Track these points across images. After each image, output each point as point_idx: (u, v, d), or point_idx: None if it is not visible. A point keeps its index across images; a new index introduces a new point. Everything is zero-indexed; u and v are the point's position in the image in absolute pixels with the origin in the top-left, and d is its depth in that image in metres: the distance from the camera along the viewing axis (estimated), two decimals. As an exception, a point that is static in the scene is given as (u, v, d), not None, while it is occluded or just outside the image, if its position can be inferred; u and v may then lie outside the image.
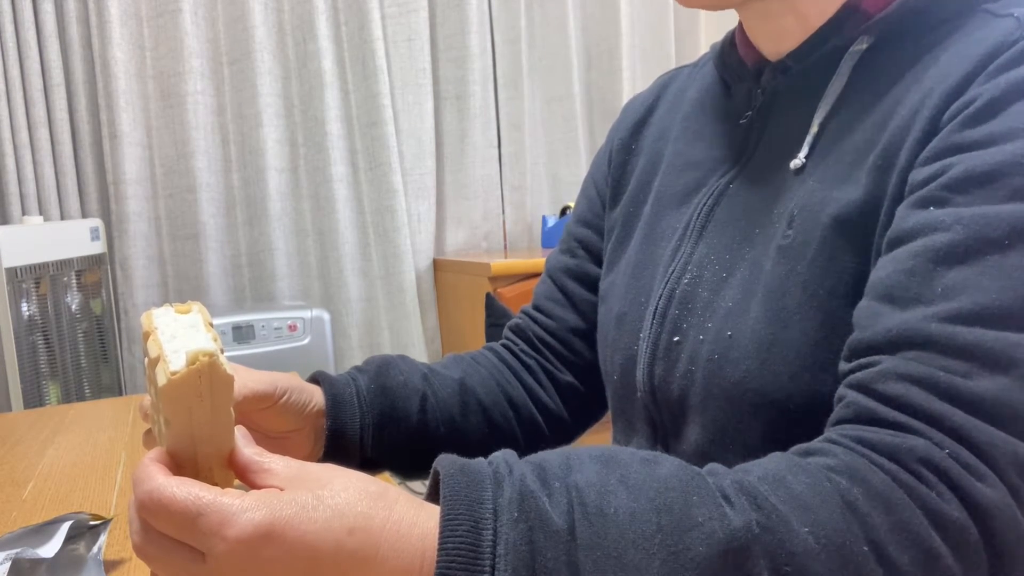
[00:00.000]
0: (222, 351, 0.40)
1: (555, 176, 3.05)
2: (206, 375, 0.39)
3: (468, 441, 0.73)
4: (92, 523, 0.71)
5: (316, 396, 0.66)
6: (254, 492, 0.38)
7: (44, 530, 0.68)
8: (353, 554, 0.37)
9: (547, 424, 0.78)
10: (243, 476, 0.42)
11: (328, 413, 0.66)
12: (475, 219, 2.92)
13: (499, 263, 2.32)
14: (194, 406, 0.39)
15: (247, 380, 0.60)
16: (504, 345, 0.83)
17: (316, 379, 0.68)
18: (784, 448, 0.45)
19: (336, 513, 0.38)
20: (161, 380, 0.38)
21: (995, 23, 0.50)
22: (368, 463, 0.68)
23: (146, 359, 0.41)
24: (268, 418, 0.62)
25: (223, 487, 0.39)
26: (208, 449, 0.42)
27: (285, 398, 0.62)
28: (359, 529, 0.38)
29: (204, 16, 2.58)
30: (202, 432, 0.41)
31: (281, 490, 0.39)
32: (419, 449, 0.70)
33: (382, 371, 0.70)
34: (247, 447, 0.43)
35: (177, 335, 0.40)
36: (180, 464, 0.41)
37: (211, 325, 0.41)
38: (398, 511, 0.39)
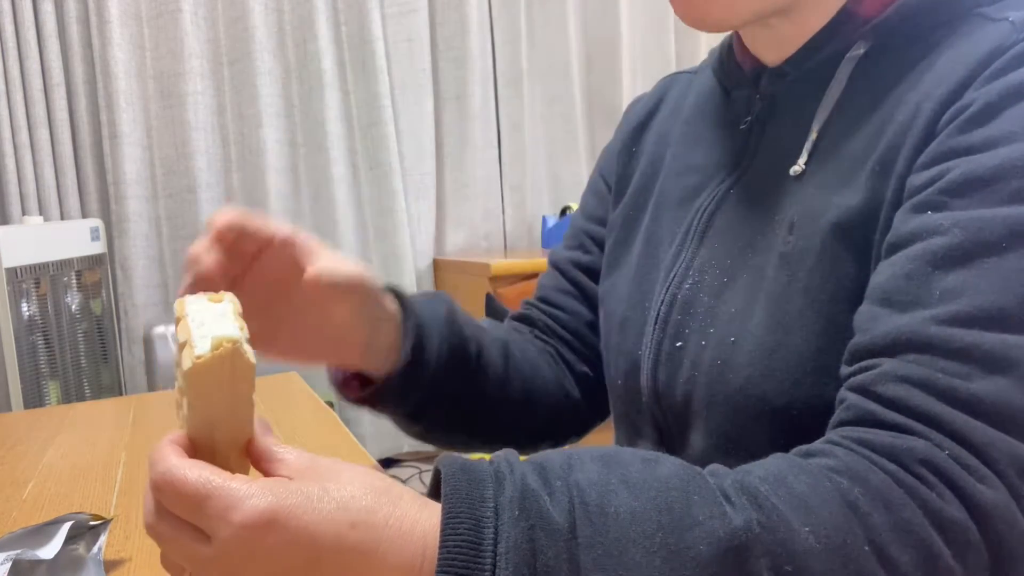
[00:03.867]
0: (248, 340, 0.40)
1: (555, 176, 3.05)
2: (228, 361, 0.39)
3: (504, 407, 0.71)
4: (92, 523, 0.71)
5: (391, 312, 0.62)
6: (262, 479, 0.39)
7: (44, 531, 0.68)
8: (354, 548, 0.38)
9: (569, 410, 0.77)
10: (257, 464, 0.43)
11: (411, 333, 0.62)
12: (475, 219, 2.92)
13: (499, 263, 2.32)
14: (216, 391, 0.40)
15: (338, 266, 0.57)
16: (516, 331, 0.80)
17: (398, 296, 0.65)
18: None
19: (340, 506, 0.38)
20: (186, 364, 0.39)
21: (990, 27, 0.50)
22: (419, 401, 0.65)
23: (174, 345, 0.42)
24: (337, 311, 0.58)
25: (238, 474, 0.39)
26: (226, 436, 0.42)
27: (363, 305, 0.59)
28: (362, 523, 0.38)
29: (204, 16, 2.58)
30: (222, 418, 0.41)
31: (290, 479, 0.39)
32: (467, 398, 0.67)
33: (451, 309, 0.67)
34: (264, 436, 0.43)
35: (206, 322, 0.41)
36: (198, 449, 0.42)
37: (241, 315, 0.42)
38: (402, 507, 0.39)
